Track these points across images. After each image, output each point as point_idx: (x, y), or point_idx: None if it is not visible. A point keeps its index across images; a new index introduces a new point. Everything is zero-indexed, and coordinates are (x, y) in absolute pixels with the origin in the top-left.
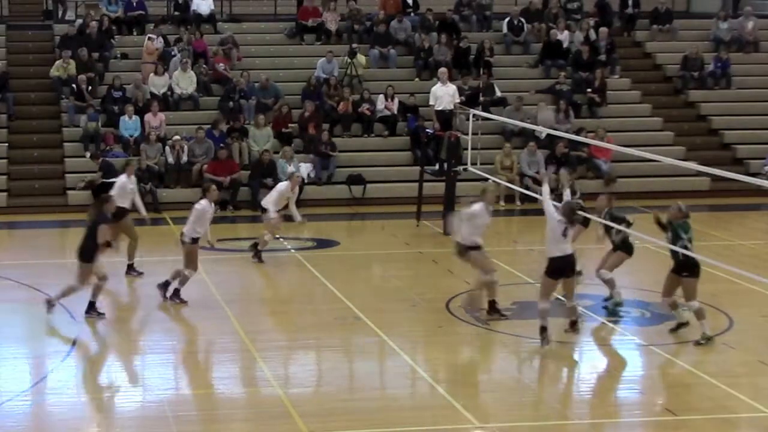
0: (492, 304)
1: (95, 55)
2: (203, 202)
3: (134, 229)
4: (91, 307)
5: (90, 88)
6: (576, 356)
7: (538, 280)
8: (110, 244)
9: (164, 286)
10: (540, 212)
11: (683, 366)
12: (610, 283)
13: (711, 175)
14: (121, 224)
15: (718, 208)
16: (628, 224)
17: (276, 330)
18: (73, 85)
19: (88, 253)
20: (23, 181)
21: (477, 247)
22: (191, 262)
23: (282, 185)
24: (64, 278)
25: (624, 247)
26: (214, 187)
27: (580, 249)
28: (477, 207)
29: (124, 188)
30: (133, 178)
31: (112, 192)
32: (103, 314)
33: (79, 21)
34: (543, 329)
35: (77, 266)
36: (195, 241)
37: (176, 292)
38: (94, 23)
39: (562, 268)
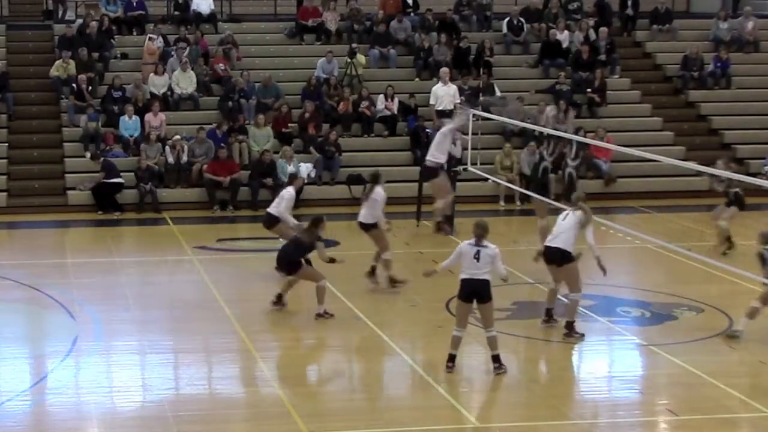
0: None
1: (95, 55)
2: (380, 190)
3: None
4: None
5: (90, 88)
6: (576, 356)
7: (538, 279)
8: (334, 260)
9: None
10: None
11: (683, 366)
12: None
13: (710, 174)
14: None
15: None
16: None
17: (277, 330)
18: (73, 85)
19: (292, 265)
20: (23, 181)
21: None
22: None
23: None
24: (65, 278)
25: None
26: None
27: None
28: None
29: (292, 201)
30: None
31: (281, 205)
32: (332, 315)
33: (79, 21)
34: (451, 358)
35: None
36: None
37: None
38: (94, 23)
39: (473, 292)
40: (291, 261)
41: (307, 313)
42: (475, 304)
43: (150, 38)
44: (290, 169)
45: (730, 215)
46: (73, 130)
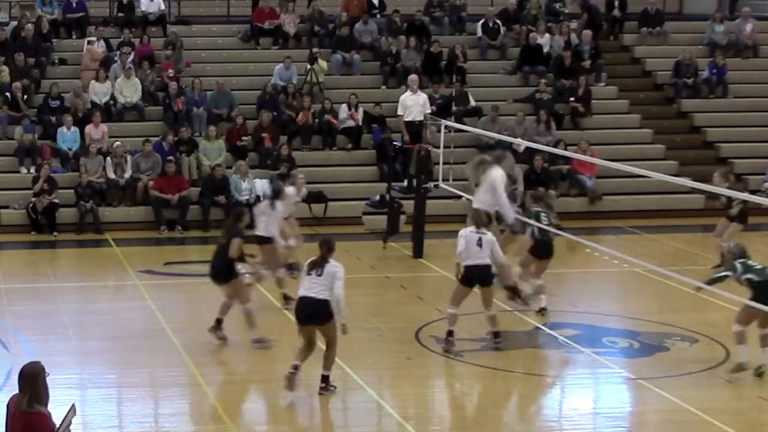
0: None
1: (31, 60)
2: None
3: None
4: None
5: (25, 96)
6: (558, 391)
7: (516, 307)
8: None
9: None
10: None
11: (675, 402)
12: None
13: (706, 192)
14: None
15: (713, 229)
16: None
17: (228, 362)
18: (7, 94)
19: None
20: None
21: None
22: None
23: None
24: None
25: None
26: None
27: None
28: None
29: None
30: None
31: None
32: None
33: (14, 23)
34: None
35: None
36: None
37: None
38: (29, 26)
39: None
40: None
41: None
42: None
43: (89, 42)
44: (245, 185)
45: (731, 232)
46: (7, 143)
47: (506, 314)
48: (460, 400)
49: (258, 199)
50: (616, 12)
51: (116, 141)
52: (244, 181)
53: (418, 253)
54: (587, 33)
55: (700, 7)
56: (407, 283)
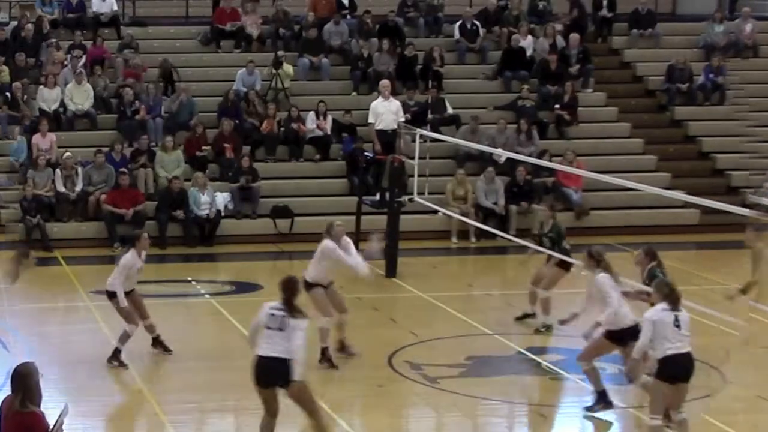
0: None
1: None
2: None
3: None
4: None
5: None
6: (542, 420)
7: (497, 330)
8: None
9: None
10: (499, 251)
11: None
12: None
13: (701, 206)
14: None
15: (708, 246)
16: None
17: (187, 390)
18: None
19: None
20: None
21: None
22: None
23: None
24: None
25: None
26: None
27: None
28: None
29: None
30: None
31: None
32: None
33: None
34: None
35: None
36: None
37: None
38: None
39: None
40: None
41: (224, 371)
42: None
43: (48, 45)
44: (204, 199)
45: None
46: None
47: (486, 338)
48: (436, 430)
49: (219, 213)
50: (604, 12)
51: (66, 151)
52: (203, 194)
53: (391, 272)
54: (575, 36)
55: (695, 8)
56: (380, 305)
